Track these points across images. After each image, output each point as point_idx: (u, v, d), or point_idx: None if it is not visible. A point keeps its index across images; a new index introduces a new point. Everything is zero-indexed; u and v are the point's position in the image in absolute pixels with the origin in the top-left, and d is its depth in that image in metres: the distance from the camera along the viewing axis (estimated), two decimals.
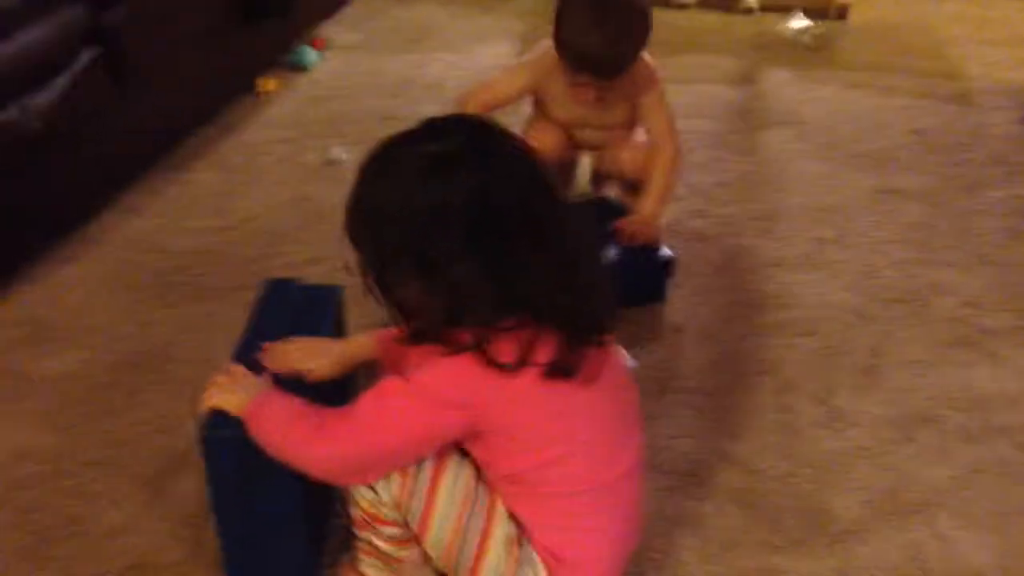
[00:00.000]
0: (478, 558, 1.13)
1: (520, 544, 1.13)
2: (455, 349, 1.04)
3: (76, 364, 1.70)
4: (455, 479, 1.12)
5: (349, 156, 2.36)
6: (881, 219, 2.16)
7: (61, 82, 1.92)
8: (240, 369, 1.23)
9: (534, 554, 1.13)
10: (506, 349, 1.03)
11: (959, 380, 1.68)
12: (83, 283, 1.92)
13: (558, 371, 1.05)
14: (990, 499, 1.45)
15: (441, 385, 1.06)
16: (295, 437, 1.12)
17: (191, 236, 2.08)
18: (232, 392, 1.18)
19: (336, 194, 2.38)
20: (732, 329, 1.82)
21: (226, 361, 1.26)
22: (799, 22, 3.21)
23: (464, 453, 1.14)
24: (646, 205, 1.84)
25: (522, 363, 1.03)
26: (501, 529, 1.13)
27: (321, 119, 2.60)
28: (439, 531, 1.13)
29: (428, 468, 1.12)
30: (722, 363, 1.72)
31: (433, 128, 1.06)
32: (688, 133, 2.33)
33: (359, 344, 1.35)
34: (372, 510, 1.16)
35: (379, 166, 1.06)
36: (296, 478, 1.16)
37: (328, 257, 2.01)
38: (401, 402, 1.07)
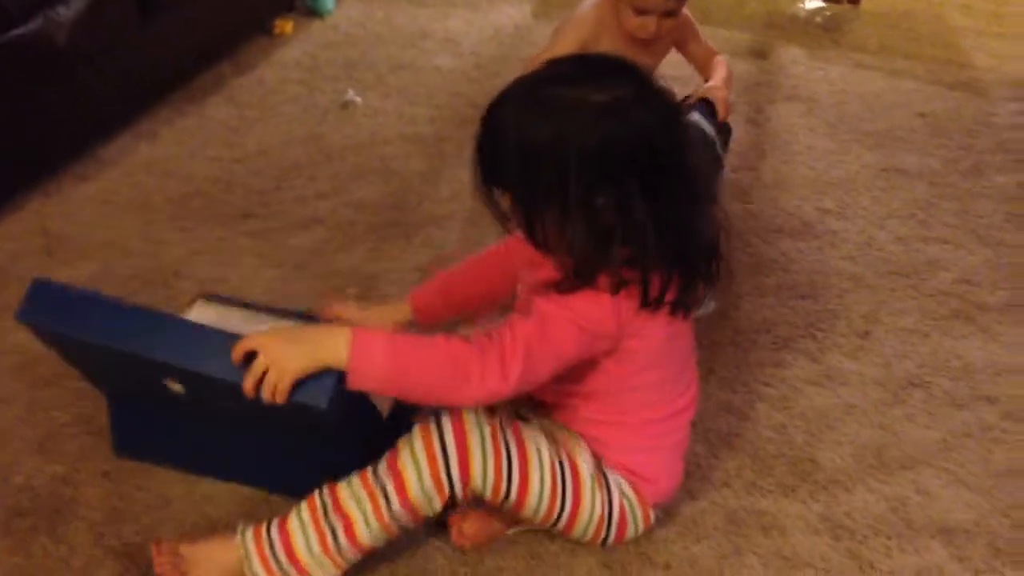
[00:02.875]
0: (576, 505, 1.21)
1: (602, 472, 1.24)
2: (615, 288, 1.10)
3: (88, 276, 1.73)
4: (538, 453, 1.19)
5: (363, 99, 2.38)
6: (883, 195, 2.20)
7: None
8: (283, 326, 1.22)
9: (616, 474, 1.24)
10: (654, 287, 1.11)
11: (950, 350, 1.73)
12: (97, 201, 1.94)
13: (681, 308, 1.15)
14: (974, 462, 1.49)
15: (604, 319, 1.12)
16: (444, 381, 1.10)
17: (203, 164, 2.11)
18: (301, 351, 1.08)
19: (349, 135, 2.43)
20: (732, 288, 1.85)
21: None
22: (813, 2, 3.24)
23: (522, 417, 1.24)
24: (716, 80, 1.89)
25: (662, 300, 1.12)
26: (586, 471, 1.22)
27: (336, 63, 2.62)
28: (538, 502, 1.20)
29: (515, 451, 1.17)
30: (720, 319, 1.76)
31: (593, 71, 1.11)
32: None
33: (398, 307, 1.45)
34: (416, 501, 1.17)
35: (540, 107, 1.07)
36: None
37: (337, 192, 2.04)
38: (566, 334, 1.12)
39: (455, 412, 1.17)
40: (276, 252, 1.86)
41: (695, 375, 1.32)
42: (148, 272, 1.76)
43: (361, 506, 1.15)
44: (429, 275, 1.79)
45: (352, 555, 1.17)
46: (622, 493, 1.25)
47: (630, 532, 1.27)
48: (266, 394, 1.08)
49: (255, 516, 1.31)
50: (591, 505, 1.23)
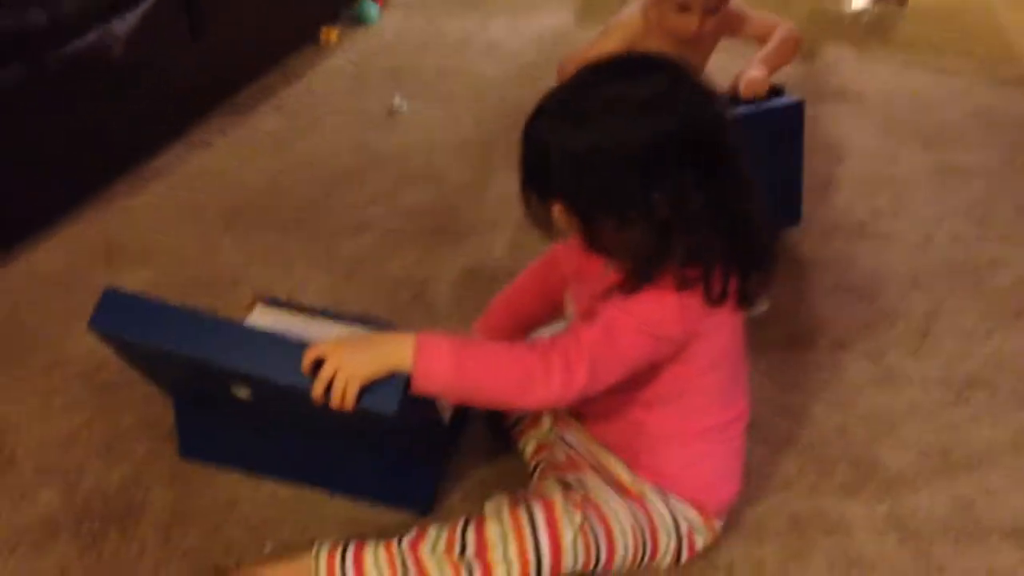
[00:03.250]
0: (654, 553, 1.24)
1: (668, 506, 1.24)
2: (679, 286, 1.09)
3: (147, 283, 1.76)
4: (618, 517, 1.21)
5: (409, 106, 2.39)
6: (938, 194, 2.17)
7: (139, 13, 1.96)
8: (349, 333, 1.22)
9: (679, 500, 1.24)
10: (716, 283, 1.10)
11: (1014, 348, 1.70)
12: (153, 210, 1.97)
13: (744, 301, 1.14)
14: None
15: (671, 321, 1.11)
16: (508, 385, 1.10)
17: (254, 173, 2.13)
18: (368, 358, 1.09)
19: (396, 142, 2.44)
20: (786, 289, 1.83)
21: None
22: (859, 2, 3.21)
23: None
24: (752, 64, 1.85)
25: (725, 295, 1.11)
26: (657, 517, 1.23)
27: (382, 71, 2.63)
28: (620, 566, 1.23)
29: (602, 537, 1.19)
30: (775, 321, 1.74)
31: (626, 69, 1.10)
32: None
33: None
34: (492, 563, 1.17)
35: (579, 114, 1.06)
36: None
37: (386, 199, 2.06)
38: (632, 339, 1.11)
39: (548, 508, 1.17)
40: (327, 258, 1.88)
41: (748, 379, 1.30)
42: (205, 279, 1.78)
43: None
44: (477, 279, 1.82)
45: None
46: (687, 519, 1.24)
47: (699, 546, 1.27)
48: (334, 400, 1.08)
49: (318, 517, 1.32)
50: (666, 546, 1.24)
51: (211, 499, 1.34)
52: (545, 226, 1.14)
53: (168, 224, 1.94)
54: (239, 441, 1.34)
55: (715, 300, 1.11)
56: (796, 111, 1.84)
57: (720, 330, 1.16)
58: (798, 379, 1.61)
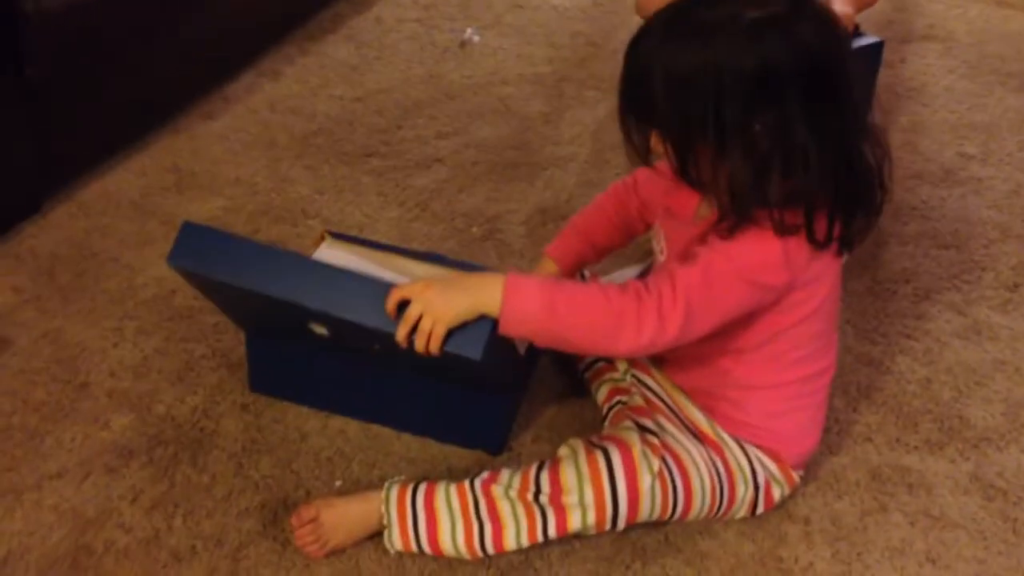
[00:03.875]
0: (730, 503, 1.21)
1: (745, 453, 1.20)
2: (780, 230, 1.03)
3: (219, 211, 1.75)
4: (696, 464, 1.17)
5: (481, 38, 2.34)
6: None
7: None
8: (436, 274, 1.18)
9: (755, 449, 1.20)
10: (820, 226, 1.04)
11: None
12: (224, 138, 1.95)
13: (846, 245, 1.08)
14: None
15: (774, 268, 1.05)
16: (599, 330, 1.05)
17: (325, 102, 2.10)
18: (456, 299, 1.06)
19: (467, 74, 2.39)
20: (869, 236, 1.76)
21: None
22: None
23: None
24: None
25: (830, 240, 1.05)
26: (735, 465, 1.20)
27: (451, 2, 2.57)
28: (697, 513, 1.20)
29: (679, 482, 1.16)
30: (857, 267, 1.68)
31: None
32: None
33: (544, 268, 1.37)
34: (574, 531, 1.16)
35: (688, 32, 1.01)
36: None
37: (457, 132, 2.02)
38: (732, 286, 1.05)
39: (625, 453, 1.14)
40: (398, 192, 1.85)
41: (838, 329, 1.25)
42: (275, 209, 1.77)
43: (517, 520, 1.15)
44: (549, 216, 1.78)
45: (491, 552, 1.17)
46: (765, 469, 1.21)
47: (776, 498, 1.24)
48: (419, 344, 1.06)
49: (387, 455, 1.32)
50: (742, 496, 1.20)
51: (281, 432, 1.34)
52: (642, 156, 1.08)
53: (239, 153, 1.92)
54: (310, 377, 1.33)
55: (820, 245, 1.05)
56: (875, 51, 1.75)
57: (821, 278, 1.11)
58: (881, 328, 1.56)
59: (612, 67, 2.35)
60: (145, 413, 1.37)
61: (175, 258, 1.16)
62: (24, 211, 1.70)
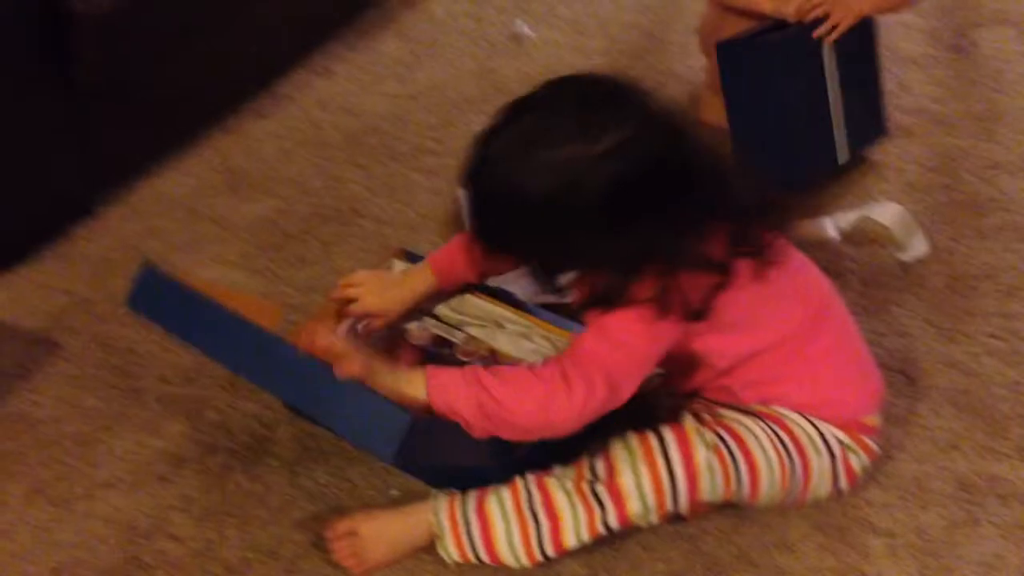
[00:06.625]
0: (806, 479, 1.15)
1: (809, 420, 1.15)
2: (655, 303, 1.03)
3: (270, 212, 1.72)
4: (755, 435, 1.13)
5: (533, 32, 2.28)
6: None
7: None
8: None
9: (815, 417, 1.15)
10: (691, 288, 1.03)
11: None
12: (276, 137, 1.93)
13: (755, 254, 1.06)
14: None
15: (651, 347, 1.07)
16: (527, 409, 1.06)
17: (377, 100, 2.06)
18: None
19: (520, 69, 2.33)
20: (945, 230, 1.68)
21: None
22: None
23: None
24: None
25: (705, 307, 1.05)
26: (802, 432, 1.14)
27: None
28: (770, 492, 1.14)
29: (739, 455, 1.11)
30: (935, 263, 1.60)
31: (588, 112, 1.00)
32: (896, 27, 2.17)
33: (421, 276, 1.31)
34: (635, 520, 1.12)
35: (537, 166, 0.99)
36: None
37: None
38: (632, 332, 1.06)
39: (677, 428, 1.12)
40: (451, 189, 1.80)
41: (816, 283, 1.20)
42: (327, 209, 1.74)
43: (575, 512, 1.10)
44: None
45: (551, 554, 1.12)
46: (833, 435, 1.15)
47: (856, 469, 1.18)
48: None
49: None
50: (819, 468, 1.14)
51: (335, 440, 1.30)
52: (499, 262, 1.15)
53: (291, 152, 1.89)
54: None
55: (693, 315, 1.05)
56: (865, 28, 1.74)
57: (740, 294, 1.07)
58: (963, 328, 1.47)
59: (670, 59, 2.30)
60: (197, 420, 1.33)
61: (133, 303, 1.19)
62: (76, 214, 1.69)
